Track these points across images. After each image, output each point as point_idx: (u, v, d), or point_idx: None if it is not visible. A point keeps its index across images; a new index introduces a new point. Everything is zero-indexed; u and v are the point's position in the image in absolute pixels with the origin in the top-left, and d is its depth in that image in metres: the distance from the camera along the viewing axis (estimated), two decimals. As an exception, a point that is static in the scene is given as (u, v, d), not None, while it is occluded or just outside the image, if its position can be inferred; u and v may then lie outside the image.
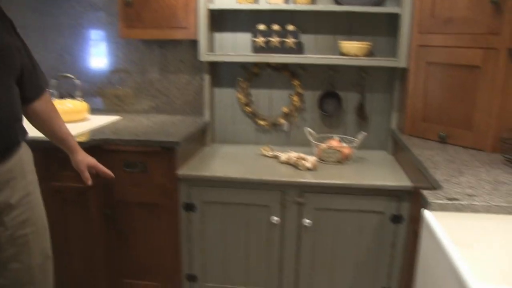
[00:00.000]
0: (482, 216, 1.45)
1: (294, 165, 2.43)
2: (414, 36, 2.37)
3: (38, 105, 1.76)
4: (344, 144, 2.57)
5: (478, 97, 2.13)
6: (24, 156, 1.70)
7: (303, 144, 2.74)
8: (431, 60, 2.30)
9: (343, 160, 2.52)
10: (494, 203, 1.46)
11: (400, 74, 2.58)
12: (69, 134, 1.90)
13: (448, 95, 2.26)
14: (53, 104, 1.85)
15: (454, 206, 1.46)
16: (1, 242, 1.61)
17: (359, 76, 2.72)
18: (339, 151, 2.50)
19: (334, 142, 2.57)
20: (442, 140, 2.28)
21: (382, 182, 2.22)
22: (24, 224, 1.65)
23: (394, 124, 2.66)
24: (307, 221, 2.29)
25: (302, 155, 2.45)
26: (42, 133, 1.85)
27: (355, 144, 2.55)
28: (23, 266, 1.66)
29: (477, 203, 1.46)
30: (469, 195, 1.52)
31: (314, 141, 2.59)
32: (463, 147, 2.21)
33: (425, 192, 1.55)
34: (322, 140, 2.64)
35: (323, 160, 2.52)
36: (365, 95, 2.74)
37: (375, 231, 2.29)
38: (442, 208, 1.46)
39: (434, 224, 1.39)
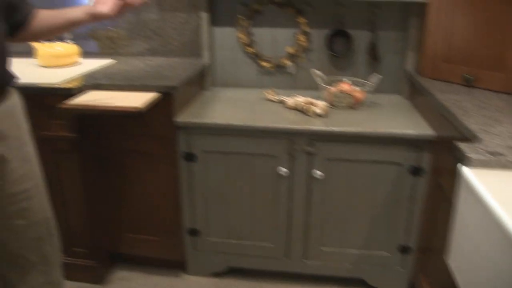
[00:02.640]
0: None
1: (302, 111, 2.22)
2: (438, -35, 2.11)
3: (35, 24, 1.56)
4: (356, 88, 2.35)
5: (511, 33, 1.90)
6: (17, 101, 1.49)
7: (310, 87, 2.52)
8: (457, -8, 2.06)
9: (355, 105, 2.31)
10: (544, 158, 1.28)
11: (417, 9, 2.33)
12: (68, 12, 1.60)
13: (476, 32, 2.03)
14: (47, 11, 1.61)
15: (498, 162, 1.27)
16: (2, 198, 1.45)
17: (370, 13, 2.46)
18: (351, 95, 2.29)
19: (345, 86, 2.35)
20: (468, 83, 2.07)
21: (399, 130, 2.02)
22: (22, 178, 1.48)
23: (410, 65, 2.43)
24: (318, 173, 2.11)
25: (311, 99, 2.24)
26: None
27: (368, 88, 2.34)
28: (29, 222, 1.52)
29: (525, 158, 1.27)
30: (514, 148, 1.34)
31: (323, 84, 2.37)
32: (493, 91, 2.00)
33: (462, 145, 1.36)
34: (331, 83, 2.42)
35: (333, 105, 2.32)
36: (377, 34, 2.49)
37: (392, 183, 2.11)
38: (484, 164, 1.27)
39: (476, 184, 1.20)
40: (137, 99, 1.94)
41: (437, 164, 1.89)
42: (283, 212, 2.22)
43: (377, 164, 2.08)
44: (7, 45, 1.42)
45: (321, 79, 2.39)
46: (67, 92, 2.00)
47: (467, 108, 1.75)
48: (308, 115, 2.18)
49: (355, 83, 2.41)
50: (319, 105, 2.18)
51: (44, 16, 1.59)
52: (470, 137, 1.49)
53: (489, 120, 1.60)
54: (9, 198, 1.46)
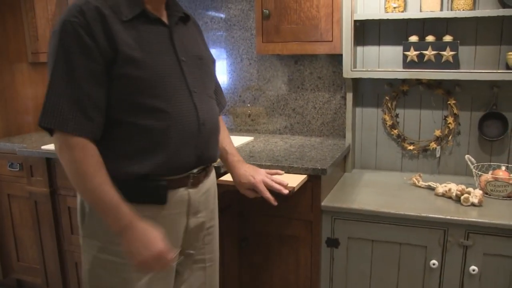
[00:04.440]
0: None
1: (454, 199, 2.08)
2: None
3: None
4: (515, 176, 2.17)
5: None
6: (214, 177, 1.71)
7: (458, 173, 2.39)
8: None
9: (512, 194, 2.12)
10: None
11: None
12: (228, 150, 1.77)
13: None
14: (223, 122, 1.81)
15: None
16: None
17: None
18: (509, 183, 2.10)
19: (502, 173, 2.17)
20: None
21: None
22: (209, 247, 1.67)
23: None
24: (472, 268, 1.92)
25: (464, 187, 2.08)
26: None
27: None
28: None
29: None
30: None
31: (476, 171, 2.21)
32: None
33: None
34: (483, 169, 2.25)
35: (487, 194, 2.14)
36: (536, 117, 2.31)
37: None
38: None
39: None
40: (286, 180, 1.92)
41: None
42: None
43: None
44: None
45: (473, 165, 2.24)
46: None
47: None
48: (462, 204, 2.03)
49: (511, 170, 2.23)
50: (475, 194, 2.03)
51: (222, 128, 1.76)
52: None
53: None
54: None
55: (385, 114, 2.50)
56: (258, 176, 1.73)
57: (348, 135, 2.52)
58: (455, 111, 2.39)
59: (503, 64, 2.26)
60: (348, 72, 2.34)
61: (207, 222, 1.61)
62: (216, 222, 1.69)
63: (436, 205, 2.03)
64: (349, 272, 2.11)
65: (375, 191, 2.22)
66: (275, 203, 1.73)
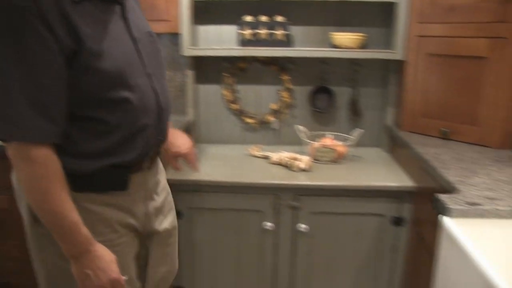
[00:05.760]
0: (509, 222, 1.31)
1: (287, 166, 2.27)
2: (413, 26, 2.22)
3: None
4: (339, 142, 2.42)
5: (483, 90, 2.00)
6: None
7: (294, 142, 2.58)
8: (432, 51, 2.16)
9: (338, 159, 2.36)
10: (519, 207, 1.32)
11: (395, 67, 2.44)
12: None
13: (451, 89, 2.12)
14: None
15: (476, 211, 1.31)
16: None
17: (352, 70, 2.56)
18: (334, 149, 2.34)
19: (328, 140, 2.41)
20: (445, 137, 2.14)
21: (381, 182, 2.07)
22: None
23: (390, 120, 2.51)
24: (302, 226, 2.13)
25: (295, 154, 2.28)
26: None
27: (350, 142, 2.40)
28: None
29: (501, 207, 1.32)
30: (490, 199, 1.38)
31: (306, 140, 2.43)
32: (468, 143, 2.07)
33: (442, 197, 1.40)
34: (314, 138, 2.48)
35: (316, 160, 2.36)
36: (358, 90, 2.59)
37: (375, 235, 2.14)
38: (463, 214, 1.31)
39: (457, 234, 1.24)
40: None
41: (418, 215, 1.93)
42: (268, 266, 2.22)
43: (360, 216, 2.11)
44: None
45: (305, 135, 2.45)
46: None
47: (446, 160, 1.81)
48: (293, 170, 2.23)
49: (337, 138, 2.48)
50: (303, 160, 2.23)
51: None
52: (449, 189, 1.54)
53: (466, 172, 1.65)
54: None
55: (225, 90, 2.63)
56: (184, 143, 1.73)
57: (191, 111, 2.62)
58: (289, 86, 2.59)
59: (329, 43, 2.49)
60: (186, 50, 2.42)
61: (163, 197, 1.58)
62: (170, 196, 1.67)
63: (270, 173, 2.20)
64: (193, 240, 2.22)
65: (216, 163, 2.34)
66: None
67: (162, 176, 1.61)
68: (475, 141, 2.06)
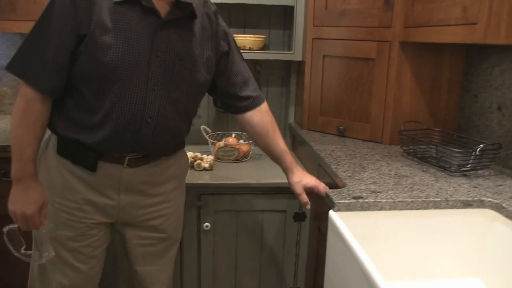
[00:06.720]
0: (388, 213, 1.41)
1: (191, 166, 2.28)
2: (309, 29, 2.31)
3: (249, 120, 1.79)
4: (242, 141, 2.47)
5: (374, 90, 2.13)
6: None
7: (199, 142, 2.60)
8: (327, 53, 2.26)
9: (241, 157, 2.41)
10: (398, 199, 1.42)
11: (296, 68, 2.53)
12: (285, 151, 1.73)
13: (345, 88, 2.23)
14: (271, 117, 1.76)
15: (360, 204, 1.40)
16: None
17: (254, 71, 2.62)
18: (237, 148, 2.39)
19: (231, 140, 2.46)
20: (341, 134, 2.25)
21: (282, 179, 2.13)
22: None
23: (292, 118, 2.60)
24: (206, 225, 2.15)
25: (198, 154, 2.31)
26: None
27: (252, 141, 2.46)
28: None
29: (382, 200, 1.41)
30: (374, 192, 1.48)
31: (210, 139, 2.46)
32: (362, 140, 2.20)
33: (330, 192, 1.48)
34: (218, 138, 2.51)
35: (220, 159, 2.40)
36: (262, 90, 2.65)
37: (279, 230, 2.21)
38: (348, 207, 1.40)
39: (340, 226, 1.31)
40: None
41: (317, 210, 2.02)
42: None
43: (264, 212, 2.18)
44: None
45: (208, 134, 2.48)
46: None
47: (339, 157, 1.90)
48: (196, 170, 2.25)
49: (240, 137, 2.53)
50: (206, 160, 2.25)
51: (261, 125, 1.74)
52: (340, 184, 1.62)
53: (356, 167, 1.75)
54: None
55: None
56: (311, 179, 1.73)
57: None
58: (193, 86, 2.60)
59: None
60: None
61: (148, 201, 1.63)
62: (170, 204, 1.70)
63: (173, 173, 2.20)
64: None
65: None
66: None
67: (167, 185, 1.67)
68: (368, 137, 2.18)
